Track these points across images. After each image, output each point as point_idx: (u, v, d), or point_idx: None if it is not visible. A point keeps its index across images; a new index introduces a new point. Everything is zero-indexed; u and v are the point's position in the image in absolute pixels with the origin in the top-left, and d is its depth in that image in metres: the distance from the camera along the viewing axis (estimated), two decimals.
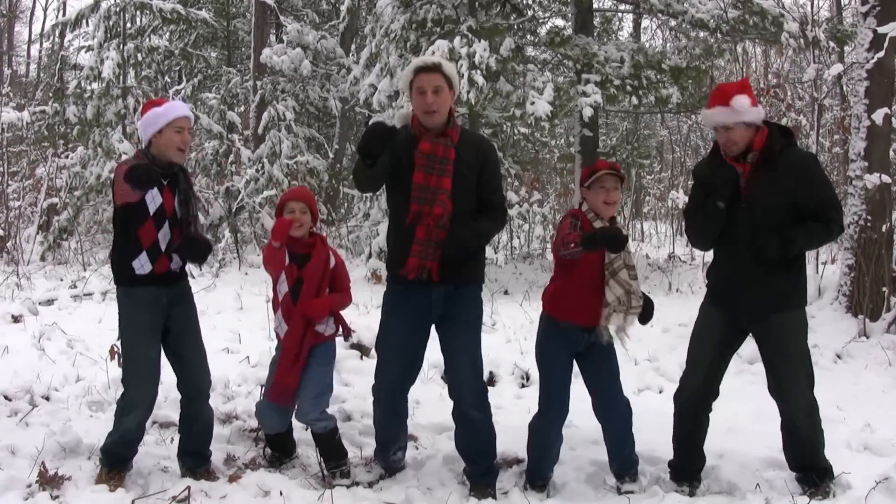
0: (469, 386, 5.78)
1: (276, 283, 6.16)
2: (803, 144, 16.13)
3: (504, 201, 6.00)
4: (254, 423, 6.92)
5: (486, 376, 8.47)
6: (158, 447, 6.45)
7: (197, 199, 6.09)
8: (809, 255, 13.06)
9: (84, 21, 20.35)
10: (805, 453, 5.78)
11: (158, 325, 5.81)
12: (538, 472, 5.99)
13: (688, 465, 6.00)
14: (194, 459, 6.02)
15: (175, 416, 6.95)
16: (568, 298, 5.73)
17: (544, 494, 5.89)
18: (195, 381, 6.08)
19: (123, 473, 5.80)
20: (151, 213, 5.64)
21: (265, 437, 6.42)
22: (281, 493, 5.60)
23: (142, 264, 5.65)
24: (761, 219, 5.53)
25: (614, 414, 5.94)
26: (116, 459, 5.78)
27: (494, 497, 5.73)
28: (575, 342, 5.80)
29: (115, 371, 7.93)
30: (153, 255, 5.68)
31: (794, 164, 5.42)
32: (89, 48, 22.29)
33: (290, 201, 6.10)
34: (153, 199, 5.64)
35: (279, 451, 6.39)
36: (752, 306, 5.67)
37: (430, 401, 7.69)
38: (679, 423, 5.99)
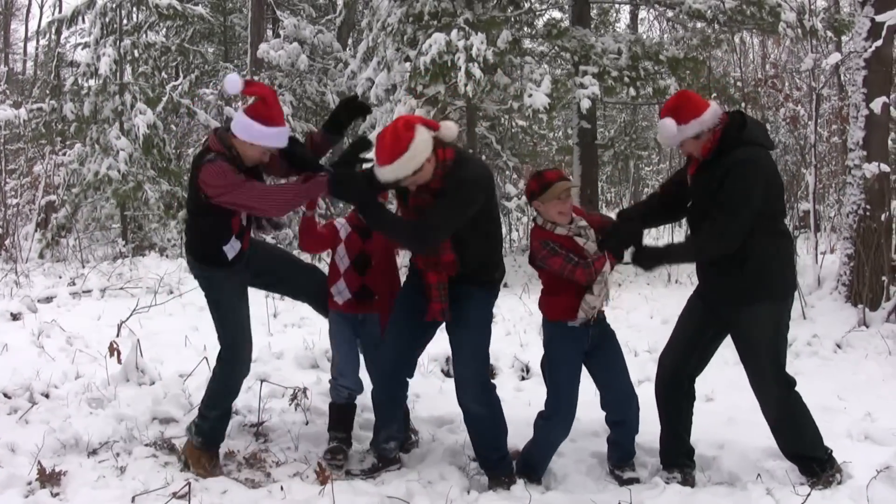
0: (466, 380, 5.78)
1: (334, 256, 6.27)
2: (801, 135, 16.14)
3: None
4: (254, 418, 6.92)
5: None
6: (159, 443, 6.44)
7: None
8: (808, 245, 13.06)
9: (80, 18, 20.32)
10: (786, 443, 5.79)
11: (246, 295, 6.21)
12: (535, 469, 5.99)
13: (671, 450, 6.00)
14: None
15: (175, 412, 6.98)
16: (568, 299, 5.72)
17: (544, 486, 5.88)
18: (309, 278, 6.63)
19: (216, 454, 6.13)
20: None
21: (336, 408, 6.50)
22: (282, 489, 5.59)
23: (233, 248, 5.85)
24: (701, 218, 5.58)
25: (627, 408, 5.94)
26: (216, 435, 6.16)
27: (508, 487, 5.72)
28: (581, 341, 5.79)
29: (115, 368, 7.95)
30: (241, 238, 5.90)
31: (728, 163, 5.36)
32: (86, 45, 22.22)
33: None
34: None
35: (344, 432, 6.46)
36: (716, 299, 5.72)
37: (429, 394, 7.68)
38: (658, 405, 6.02)
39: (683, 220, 6.26)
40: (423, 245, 5.53)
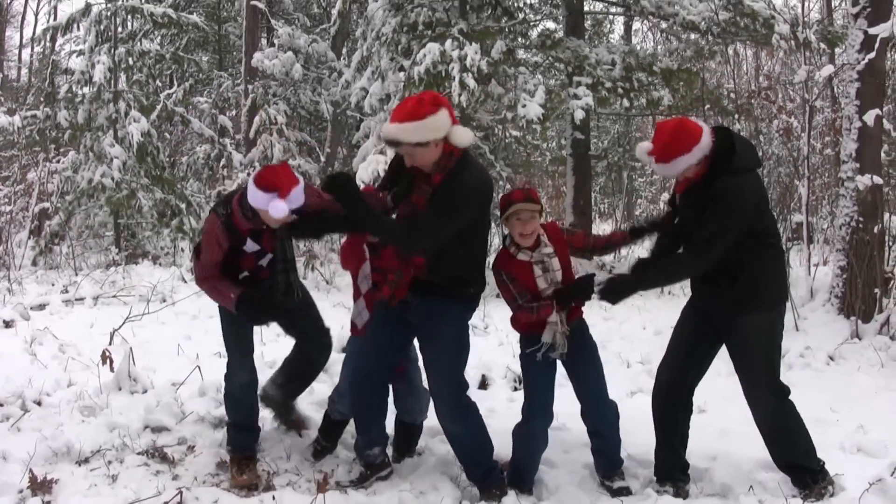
0: (439, 398, 5.84)
1: (356, 278, 6.14)
2: (794, 146, 16.17)
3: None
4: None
5: (478, 379, 8.49)
6: (151, 452, 6.43)
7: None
8: (801, 257, 13.07)
9: (75, 25, 20.27)
10: (779, 453, 5.81)
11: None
12: (523, 477, 5.98)
13: (666, 464, 6.00)
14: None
15: (167, 420, 6.98)
16: (527, 318, 5.76)
17: (535, 497, 5.88)
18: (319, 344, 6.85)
19: (254, 463, 6.25)
20: (250, 252, 6.03)
21: (327, 421, 6.62)
22: (273, 498, 5.59)
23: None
24: (685, 238, 5.62)
25: (601, 419, 5.95)
26: (240, 445, 6.32)
27: (499, 500, 5.72)
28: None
29: (107, 376, 7.94)
30: (255, 272, 6.17)
31: (714, 191, 5.37)
32: (80, 52, 22.19)
33: None
34: (249, 245, 6.00)
35: (330, 442, 6.62)
36: (712, 307, 5.73)
37: None
38: (654, 418, 6.02)
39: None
40: (412, 246, 5.51)
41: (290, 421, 6.95)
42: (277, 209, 5.51)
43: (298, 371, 6.77)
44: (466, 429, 5.84)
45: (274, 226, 5.79)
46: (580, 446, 6.49)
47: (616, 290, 5.64)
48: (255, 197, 5.60)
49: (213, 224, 5.87)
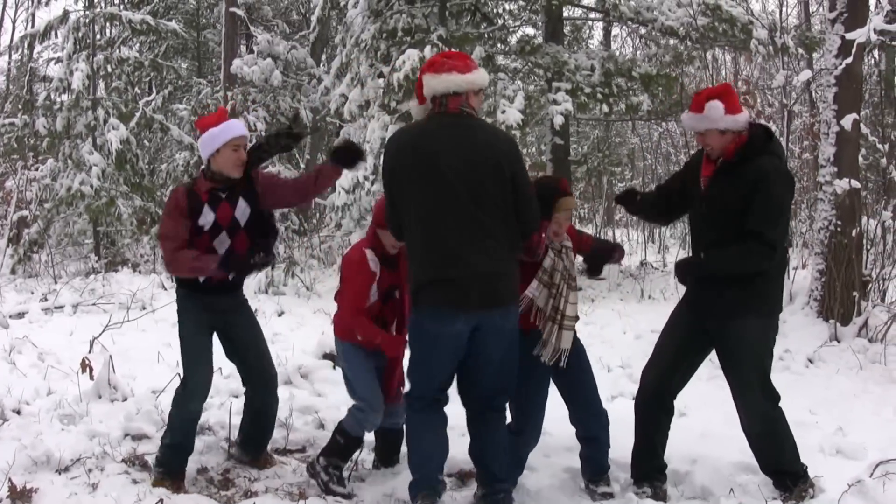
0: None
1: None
2: None
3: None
4: (224, 433, 6.90)
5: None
6: (131, 460, 6.41)
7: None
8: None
9: (53, 32, 20.22)
10: (767, 458, 5.82)
11: (207, 327, 6.20)
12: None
13: (643, 464, 5.98)
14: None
15: (147, 428, 6.96)
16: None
17: (518, 501, 5.87)
18: (262, 379, 6.49)
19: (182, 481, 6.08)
20: (206, 229, 5.93)
21: (346, 446, 6.19)
22: None
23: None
24: (714, 223, 5.62)
25: (597, 424, 5.94)
26: (182, 463, 6.15)
27: None
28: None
29: (87, 384, 7.91)
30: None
31: (755, 172, 5.39)
32: (59, 60, 22.20)
33: None
34: (205, 217, 5.93)
35: (346, 462, 6.29)
36: (707, 309, 5.73)
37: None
38: (636, 419, 6.01)
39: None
40: None
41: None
42: (231, 128, 5.94)
43: (255, 428, 6.55)
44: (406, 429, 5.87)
45: (236, 169, 5.97)
46: (561, 450, 6.50)
47: (684, 270, 5.76)
48: (204, 142, 5.94)
49: (174, 192, 6.05)
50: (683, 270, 5.77)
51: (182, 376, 6.16)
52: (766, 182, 5.37)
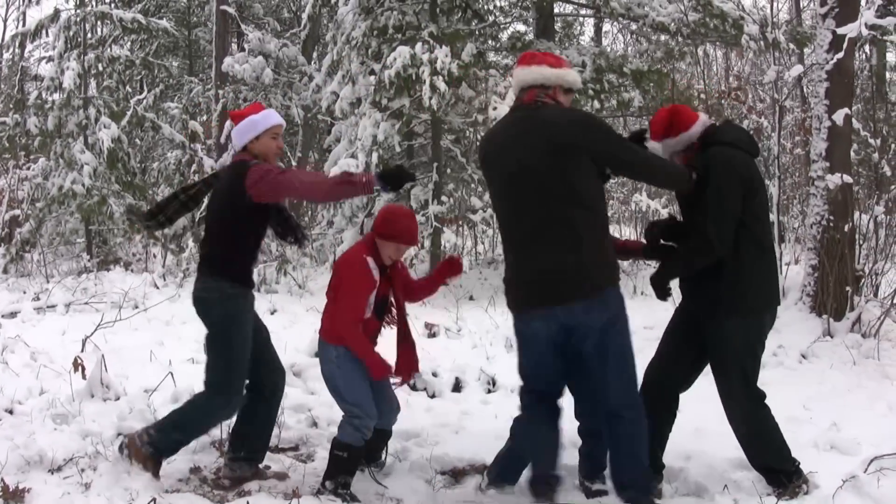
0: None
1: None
2: (764, 146, 16.24)
3: None
4: (217, 432, 6.88)
5: (451, 382, 8.51)
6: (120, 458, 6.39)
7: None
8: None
9: (44, 31, 20.17)
10: (754, 456, 5.83)
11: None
12: (510, 477, 5.93)
13: None
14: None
15: (140, 427, 6.93)
16: None
17: (515, 497, 5.86)
18: (276, 380, 6.35)
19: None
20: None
21: (350, 459, 5.99)
22: (247, 503, 5.57)
23: (255, 272, 6.14)
24: (688, 224, 5.74)
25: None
26: (170, 451, 6.07)
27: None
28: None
29: (79, 383, 7.89)
30: (257, 263, 6.13)
31: (704, 166, 5.48)
32: (50, 59, 22.16)
33: (403, 245, 6.11)
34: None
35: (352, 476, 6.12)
36: (695, 308, 5.78)
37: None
38: None
39: None
40: None
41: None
42: (271, 116, 6.05)
43: (265, 430, 6.35)
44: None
45: (275, 157, 6.10)
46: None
47: (655, 286, 5.80)
48: (243, 129, 6.00)
49: (266, 165, 5.90)
50: (654, 284, 5.80)
51: (218, 384, 5.89)
52: (709, 173, 5.44)
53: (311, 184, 5.83)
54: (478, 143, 21.33)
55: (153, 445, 5.94)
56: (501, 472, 5.96)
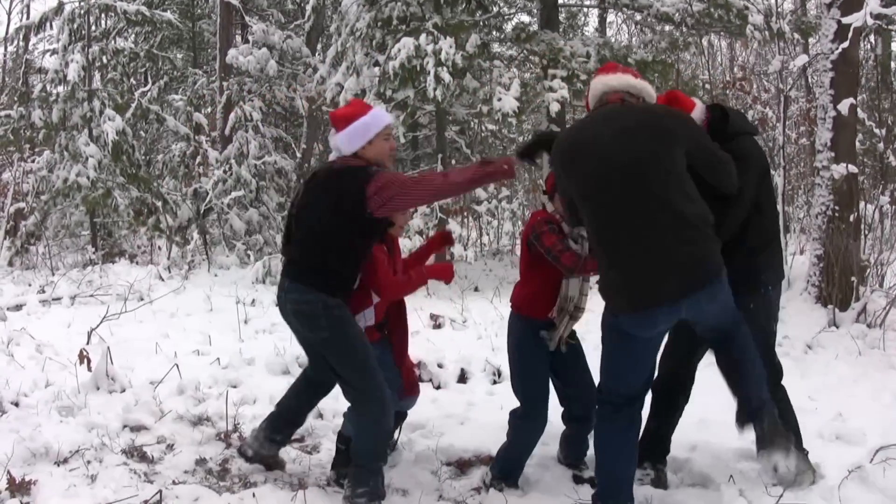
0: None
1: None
2: (769, 136, 16.22)
3: None
4: (223, 424, 6.89)
5: (457, 373, 8.51)
6: (130, 451, 6.40)
7: None
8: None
9: (48, 24, 20.18)
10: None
11: None
12: (514, 471, 5.95)
13: (651, 444, 5.93)
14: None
15: (146, 419, 6.95)
16: (544, 296, 5.69)
17: (521, 490, 5.86)
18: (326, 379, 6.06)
19: None
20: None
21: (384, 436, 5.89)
22: (254, 496, 5.57)
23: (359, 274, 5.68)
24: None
25: (591, 403, 5.90)
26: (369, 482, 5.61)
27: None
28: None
29: (85, 375, 7.90)
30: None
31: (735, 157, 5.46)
32: (54, 51, 22.13)
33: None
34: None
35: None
36: None
37: None
38: (653, 401, 5.92)
39: None
40: None
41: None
42: (382, 116, 5.66)
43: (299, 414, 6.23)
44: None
45: (390, 159, 5.75)
46: (558, 438, 6.48)
47: None
48: (354, 133, 5.58)
49: (390, 173, 5.55)
50: None
51: (363, 392, 5.56)
52: (743, 164, 5.34)
53: (449, 184, 5.47)
54: (483, 135, 21.39)
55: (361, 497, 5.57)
56: (503, 468, 5.96)
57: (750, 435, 5.57)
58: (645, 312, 4.81)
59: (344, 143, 5.58)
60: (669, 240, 4.70)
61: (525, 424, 5.87)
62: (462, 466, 6.33)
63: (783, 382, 5.79)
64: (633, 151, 4.77)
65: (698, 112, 5.53)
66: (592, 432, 5.51)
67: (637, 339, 5.02)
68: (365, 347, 5.52)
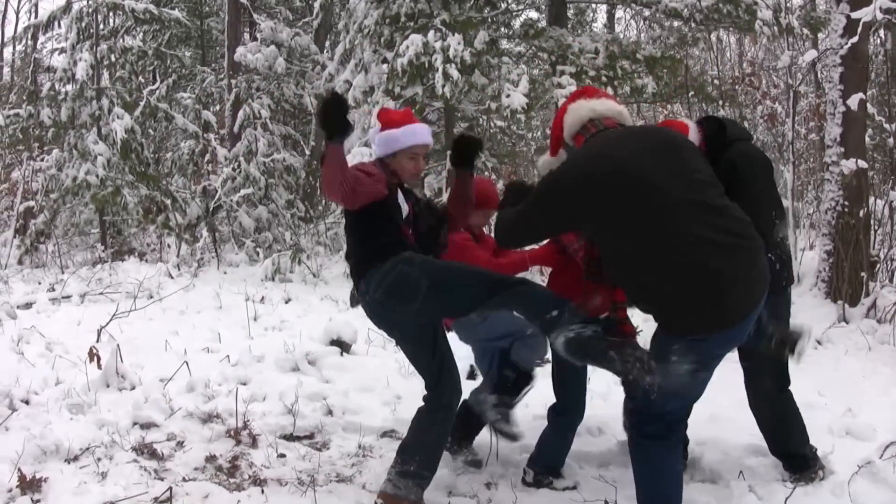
0: None
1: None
2: (779, 132, 16.19)
3: None
4: (233, 421, 6.89)
5: (465, 371, 8.50)
6: (140, 448, 6.41)
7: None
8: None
9: (56, 23, 20.21)
10: (775, 441, 5.88)
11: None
12: (557, 465, 5.96)
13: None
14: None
15: (156, 416, 6.95)
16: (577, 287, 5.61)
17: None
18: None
19: None
20: (404, 215, 5.36)
21: (517, 382, 6.00)
22: (263, 492, 5.58)
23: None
24: None
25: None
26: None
27: None
28: None
29: (95, 373, 7.90)
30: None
31: (726, 167, 5.40)
32: (62, 50, 22.14)
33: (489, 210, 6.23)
34: (403, 201, 5.39)
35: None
36: None
37: (411, 394, 7.66)
38: None
39: None
40: None
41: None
42: (413, 134, 5.41)
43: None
44: None
45: (412, 178, 5.53)
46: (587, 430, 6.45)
47: None
48: (381, 141, 5.46)
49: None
50: None
51: (433, 384, 5.51)
52: (738, 173, 5.34)
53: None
54: (492, 132, 21.36)
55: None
56: (547, 462, 5.95)
57: (758, 431, 5.59)
58: (732, 326, 4.46)
59: (374, 146, 5.54)
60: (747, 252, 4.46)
61: (565, 420, 5.89)
62: (477, 463, 6.32)
63: (790, 377, 5.79)
64: (692, 162, 4.62)
65: (692, 133, 5.50)
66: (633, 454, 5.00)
67: (719, 356, 4.68)
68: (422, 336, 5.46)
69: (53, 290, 13.52)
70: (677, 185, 4.42)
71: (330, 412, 7.41)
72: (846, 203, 10.45)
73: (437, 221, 5.62)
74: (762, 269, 4.48)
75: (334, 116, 4.84)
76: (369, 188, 5.12)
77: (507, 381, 5.94)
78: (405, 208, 5.36)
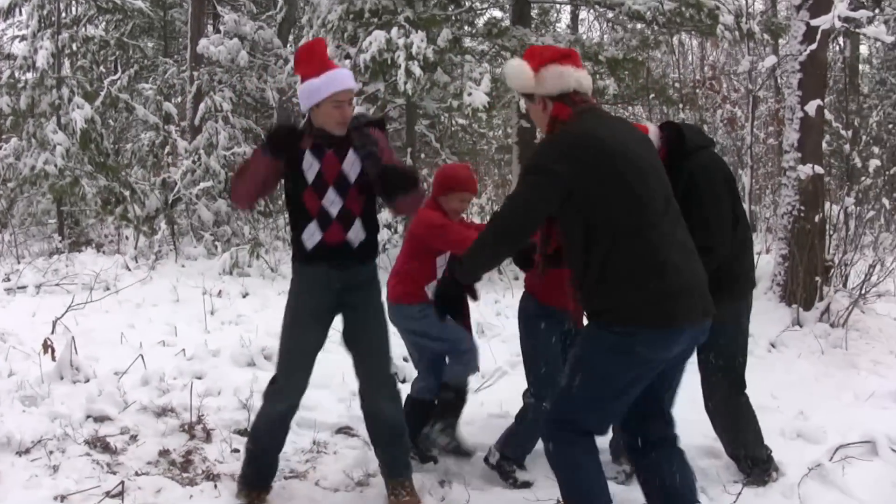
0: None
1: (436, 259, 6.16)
2: (738, 136, 16.32)
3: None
4: (187, 416, 6.88)
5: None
6: (93, 441, 6.38)
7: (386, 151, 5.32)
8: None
9: (17, 9, 20.10)
10: (729, 443, 5.92)
11: (324, 311, 5.50)
12: (521, 456, 5.98)
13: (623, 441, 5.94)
14: (388, 467, 5.60)
15: (109, 410, 6.92)
16: (559, 285, 5.61)
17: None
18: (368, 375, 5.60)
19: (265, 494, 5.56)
20: (310, 181, 5.16)
21: (457, 402, 6.21)
22: (215, 487, 5.58)
23: (311, 234, 5.23)
24: None
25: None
26: (256, 479, 5.55)
27: None
28: (562, 324, 5.80)
29: (49, 365, 7.86)
30: (323, 224, 5.20)
31: (684, 177, 5.41)
32: (23, 37, 22.00)
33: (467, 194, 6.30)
34: (310, 166, 5.16)
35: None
36: None
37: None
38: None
39: None
40: None
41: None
42: (334, 81, 5.12)
43: None
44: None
45: (339, 127, 5.20)
46: None
47: None
48: (303, 94, 5.20)
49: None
50: None
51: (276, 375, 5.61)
52: (695, 186, 5.37)
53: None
54: (453, 129, 21.37)
55: (246, 482, 5.60)
56: (516, 451, 5.98)
57: (711, 433, 5.64)
58: (679, 327, 4.37)
59: (300, 100, 5.31)
60: (695, 260, 4.48)
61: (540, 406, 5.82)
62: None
63: (747, 379, 5.84)
64: (659, 166, 4.63)
65: (653, 135, 5.47)
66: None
67: (659, 360, 4.48)
68: (287, 320, 5.60)
69: (9, 280, 13.43)
70: (660, 184, 4.50)
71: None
72: (802, 208, 10.53)
73: (387, 176, 5.19)
74: (707, 294, 4.48)
75: (283, 141, 5.04)
76: (245, 181, 5.32)
77: (449, 402, 6.06)
78: (313, 169, 5.19)
